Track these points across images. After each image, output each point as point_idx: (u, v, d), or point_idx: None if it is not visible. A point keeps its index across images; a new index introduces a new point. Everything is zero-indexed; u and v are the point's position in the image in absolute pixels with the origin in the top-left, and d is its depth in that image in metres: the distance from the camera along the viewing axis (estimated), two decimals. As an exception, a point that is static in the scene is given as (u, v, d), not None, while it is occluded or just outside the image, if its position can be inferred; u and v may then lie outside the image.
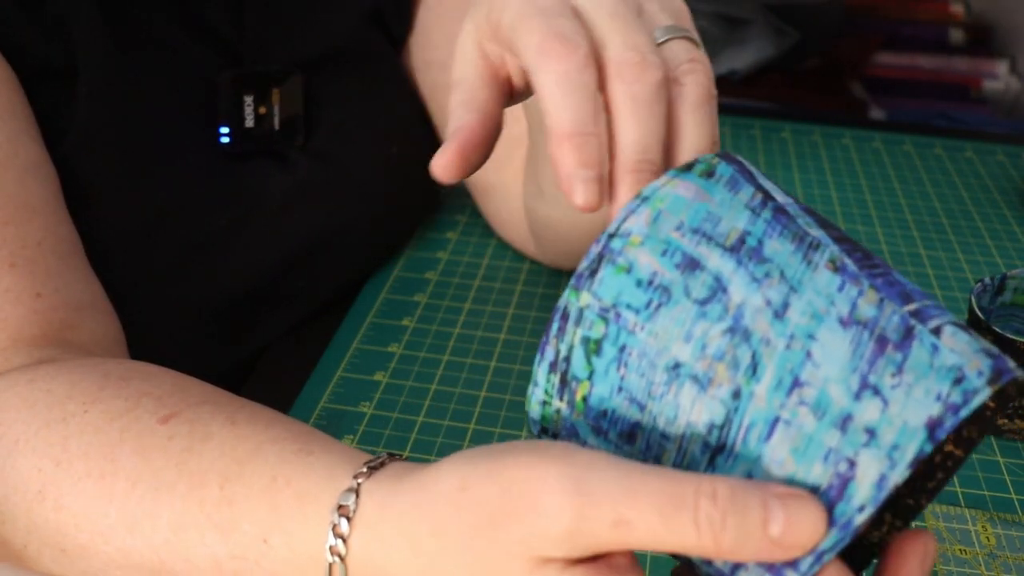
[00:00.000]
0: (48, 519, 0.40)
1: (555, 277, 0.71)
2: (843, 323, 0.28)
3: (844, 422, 0.27)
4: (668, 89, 0.34)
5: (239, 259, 0.58)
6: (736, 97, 1.25)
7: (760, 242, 0.30)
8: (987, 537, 0.51)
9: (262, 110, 0.58)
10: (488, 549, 0.31)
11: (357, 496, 0.34)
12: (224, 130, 0.57)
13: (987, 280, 0.59)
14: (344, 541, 0.34)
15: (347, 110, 0.63)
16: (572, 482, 0.29)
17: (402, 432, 0.57)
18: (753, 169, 0.32)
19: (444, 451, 0.55)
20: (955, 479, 0.55)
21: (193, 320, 0.57)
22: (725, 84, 1.26)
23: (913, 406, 0.27)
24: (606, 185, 0.32)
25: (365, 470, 0.35)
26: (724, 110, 0.97)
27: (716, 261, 0.30)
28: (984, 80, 1.27)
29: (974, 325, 0.57)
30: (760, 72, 1.27)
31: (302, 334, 0.65)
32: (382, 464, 0.36)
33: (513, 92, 0.38)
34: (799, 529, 0.27)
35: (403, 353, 0.63)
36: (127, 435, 0.40)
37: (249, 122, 0.58)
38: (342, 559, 0.34)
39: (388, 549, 0.33)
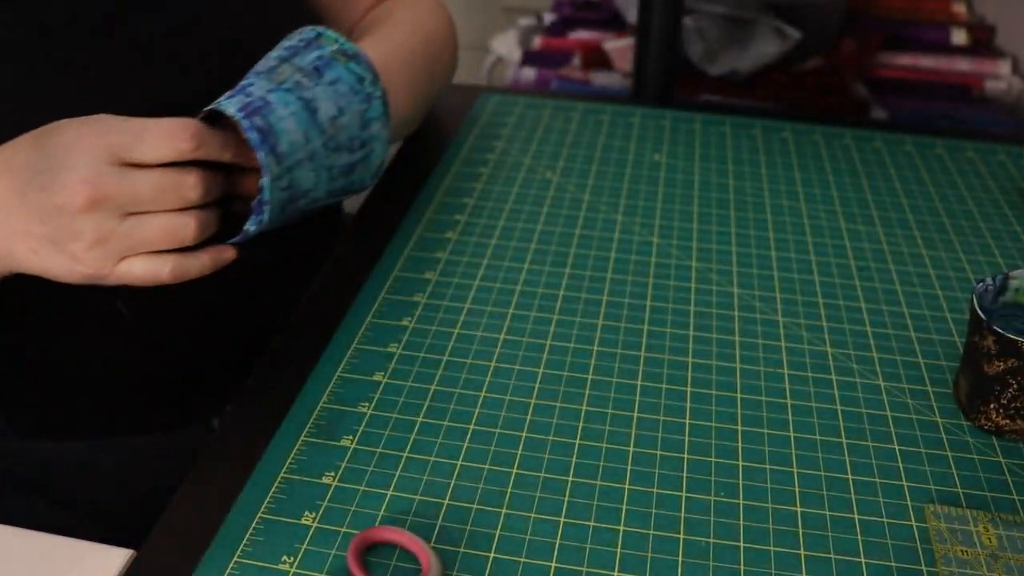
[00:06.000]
0: None
1: (555, 278, 0.70)
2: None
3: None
4: None
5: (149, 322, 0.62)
6: (737, 97, 1.24)
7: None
8: (988, 538, 0.51)
9: None
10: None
11: None
12: None
13: (989, 280, 0.59)
14: None
15: None
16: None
17: (401, 433, 0.56)
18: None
19: (444, 452, 0.55)
20: (956, 479, 0.54)
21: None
22: (726, 84, 1.25)
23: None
24: None
25: None
26: (725, 110, 0.97)
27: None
28: (986, 80, 1.27)
29: (976, 325, 0.56)
30: (761, 72, 1.27)
31: (302, 334, 0.64)
32: None
33: None
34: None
35: (402, 353, 0.63)
36: None
37: None
38: None
39: None
